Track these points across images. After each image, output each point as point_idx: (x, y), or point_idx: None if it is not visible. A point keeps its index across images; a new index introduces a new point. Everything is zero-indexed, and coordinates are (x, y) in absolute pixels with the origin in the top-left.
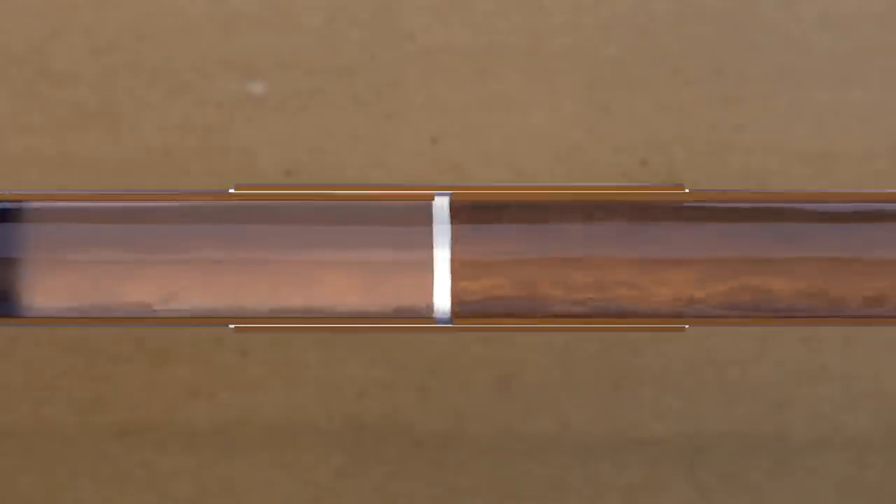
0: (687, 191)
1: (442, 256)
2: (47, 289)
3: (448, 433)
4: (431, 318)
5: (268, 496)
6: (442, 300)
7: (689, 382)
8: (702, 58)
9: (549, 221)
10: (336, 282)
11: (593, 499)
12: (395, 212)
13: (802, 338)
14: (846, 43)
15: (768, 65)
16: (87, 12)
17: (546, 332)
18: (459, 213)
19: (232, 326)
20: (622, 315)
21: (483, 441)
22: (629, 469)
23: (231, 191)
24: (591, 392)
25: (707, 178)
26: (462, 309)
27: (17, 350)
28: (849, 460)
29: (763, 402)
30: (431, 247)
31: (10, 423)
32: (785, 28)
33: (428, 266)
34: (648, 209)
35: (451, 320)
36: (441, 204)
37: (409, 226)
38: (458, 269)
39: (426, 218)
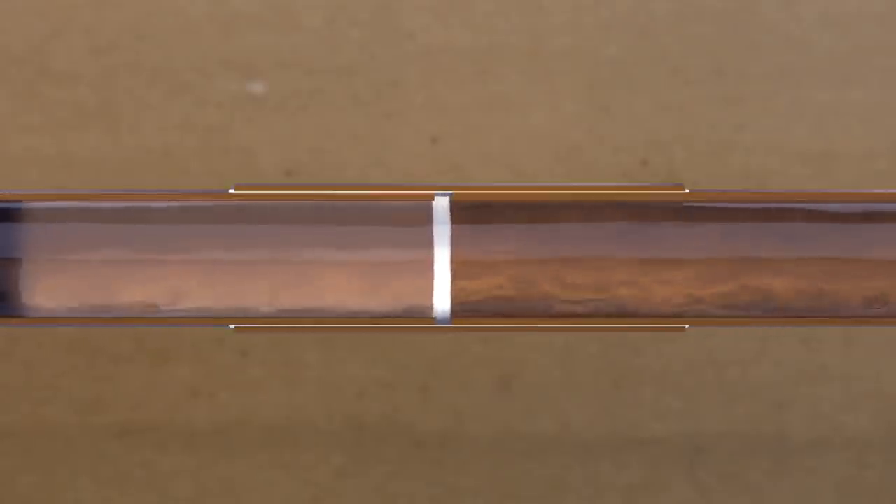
0: (687, 191)
1: (442, 256)
2: (47, 289)
3: (448, 433)
4: (431, 318)
5: (268, 496)
6: (442, 300)
7: (689, 382)
8: (702, 58)
9: (549, 221)
10: (336, 282)
11: (593, 499)
12: (396, 212)
13: (802, 338)
14: (846, 43)
15: (768, 65)
16: (87, 12)
17: (546, 332)
18: (459, 213)
19: (232, 326)
20: (622, 315)
21: (483, 441)
22: (629, 469)
23: (231, 191)
24: (591, 392)
25: (707, 178)
26: (462, 309)
27: (17, 350)
28: (849, 460)
29: (763, 402)
30: (431, 247)
31: (10, 423)
32: (785, 28)
33: (428, 266)
34: (648, 209)
35: (450, 320)
36: (441, 204)
37: (410, 226)
38: (458, 269)
39: (426, 218)
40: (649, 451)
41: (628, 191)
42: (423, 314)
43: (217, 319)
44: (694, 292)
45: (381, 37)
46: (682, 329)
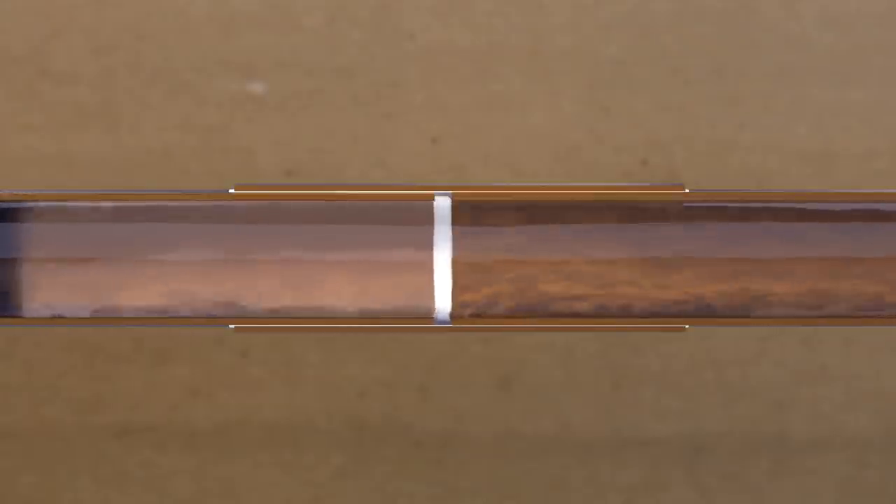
0: (687, 191)
1: (442, 256)
2: (47, 289)
3: (448, 433)
4: (431, 318)
5: (268, 496)
6: (442, 300)
7: (689, 382)
8: (702, 58)
9: (549, 221)
10: (336, 282)
11: (593, 499)
12: (396, 212)
13: (802, 338)
14: (846, 42)
15: (768, 64)
16: (87, 12)
17: (546, 332)
18: (460, 213)
19: (232, 326)
20: (622, 315)
21: (483, 441)
22: (629, 469)
23: (231, 191)
24: (591, 392)
25: (707, 178)
26: (462, 309)
27: (17, 350)
28: (849, 460)
29: (763, 402)
30: (432, 247)
31: (10, 423)
32: (785, 27)
33: (428, 266)
34: (648, 209)
35: (450, 320)
36: (441, 204)
37: (410, 226)
38: (459, 269)
39: (427, 218)
40: (649, 451)
41: (628, 191)
42: (423, 314)
43: (217, 319)
44: (694, 292)
45: (381, 37)
46: (682, 329)
